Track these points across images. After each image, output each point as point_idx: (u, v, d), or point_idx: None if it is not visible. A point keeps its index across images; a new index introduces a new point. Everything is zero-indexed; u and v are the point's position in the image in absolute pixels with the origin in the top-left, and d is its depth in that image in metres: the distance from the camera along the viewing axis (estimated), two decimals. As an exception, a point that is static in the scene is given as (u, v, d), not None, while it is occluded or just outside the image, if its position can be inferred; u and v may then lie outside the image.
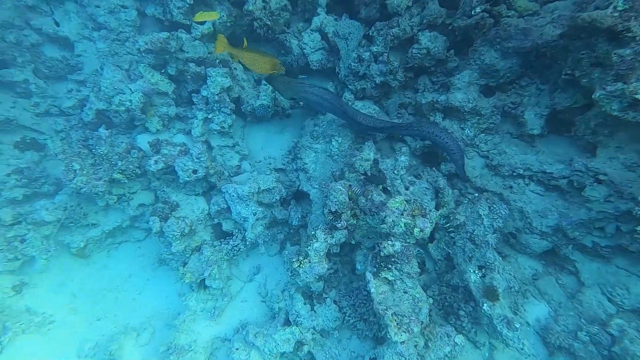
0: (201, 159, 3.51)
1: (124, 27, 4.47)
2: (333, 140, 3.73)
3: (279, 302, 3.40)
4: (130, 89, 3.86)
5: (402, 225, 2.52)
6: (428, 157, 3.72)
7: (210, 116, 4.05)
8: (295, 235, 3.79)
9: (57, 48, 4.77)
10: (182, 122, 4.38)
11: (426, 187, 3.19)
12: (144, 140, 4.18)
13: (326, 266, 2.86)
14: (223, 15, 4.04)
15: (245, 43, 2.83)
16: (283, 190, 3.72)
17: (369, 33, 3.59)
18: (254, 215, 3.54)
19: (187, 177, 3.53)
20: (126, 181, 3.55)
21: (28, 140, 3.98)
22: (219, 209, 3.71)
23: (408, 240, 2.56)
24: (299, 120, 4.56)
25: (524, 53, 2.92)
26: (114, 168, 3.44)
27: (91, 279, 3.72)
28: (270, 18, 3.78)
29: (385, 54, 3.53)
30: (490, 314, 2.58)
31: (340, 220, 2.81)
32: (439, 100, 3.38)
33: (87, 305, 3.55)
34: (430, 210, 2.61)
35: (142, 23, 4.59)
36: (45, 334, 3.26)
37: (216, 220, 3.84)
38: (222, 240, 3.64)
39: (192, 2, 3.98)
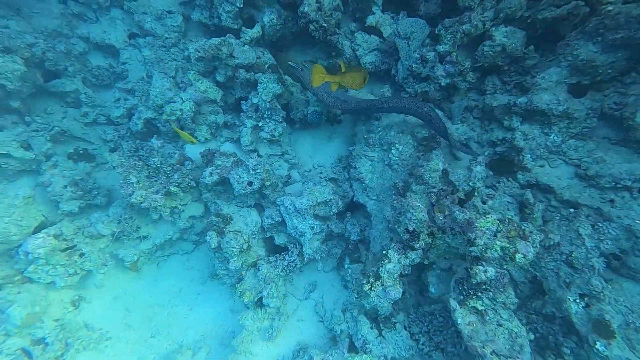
0: (257, 171, 3.33)
1: (169, 33, 4.39)
2: (393, 148, 3.44)
3: (340, 323, 3.17)
4: (182, 98, 3.75)
5: (498, 249, 2.22)
6: (500, 164, 3.37)
7: (260, 124, 3.87)
8: (354, 251, 3.54)
9: (102, 56, 4.77)
10: (230, 130, 4.25)
11: (508, 201, 2.85)
12: (193, 150, 4.07)
13: (401, 290, 2.59)
14: (273, 18, 3.85)
15: (344, 68, 2.64)
16: (340, 203, 3.48)
17: (434, 31, 3.28)
18: (312, 229, 3.33)
19: (243, 189, 3.36)
20: (181, 194, 3.43)
21: (80, 151, 3.95)
22: (273, 222, 3.52)
23: (505, 267, 2.24)
24: (348, 127, 4.31)
25: (634, 45, 2.52)
26: (170, 181, 3.33)
27: (143, 293, 3.63)
28: (325, 19, 3.55)
29: (454, 54, 3.21)
30: (606, 355, 2.22)
31: (419, 241, 2.53)
32: (519, 102, 3.02)
33: (141, 321, 3.46)
34: (531, 232, 2.28)
35: (186, 27, 4.51)
36: (102, 351, 3.20)
37: (269, 234, 3.66)
38: (277, 255, 3.45)
39: (241, 6, 3.82)
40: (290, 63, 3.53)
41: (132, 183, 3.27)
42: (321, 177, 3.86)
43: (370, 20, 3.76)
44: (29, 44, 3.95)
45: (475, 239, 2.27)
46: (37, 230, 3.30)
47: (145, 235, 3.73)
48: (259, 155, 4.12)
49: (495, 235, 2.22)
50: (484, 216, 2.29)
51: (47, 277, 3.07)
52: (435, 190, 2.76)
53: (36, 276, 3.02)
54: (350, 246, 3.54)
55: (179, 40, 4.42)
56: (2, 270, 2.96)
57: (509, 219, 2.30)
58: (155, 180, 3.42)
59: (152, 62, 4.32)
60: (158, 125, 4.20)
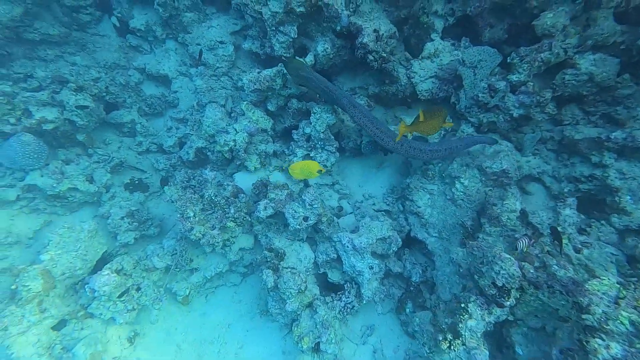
0: (314, 206, 3.21)
1: (220, 63, 4.48)
2: (457, 182, 3.20)
3: (406, 377, 2.91)
4: (235, 129, 3.75)
5: (626, 322, 1.90)
6: (587, 204, 3.01)
7: (312, 154, 3.79)
8: (417, 294, 3.28)
9: (154, 84, 4.95)
10: (279, 159, 4.20)
11: (612, 252, 2.51)
12: (242, 179, 4.04)
13: (487, 352, 2.31)
14: (327, 47, 3.80)
15: (422, 117, 2.51)
16: (399, 240, 3.26)
17: (506, 60, 3.06)
18: (371, 269, 3.13)
19: (298, 224, 3.24)
20: (236, 228, 3.38)
21: (136, 182, 4.04)
22: (328, 259, 3.36)
23: (638, 346, 1.91)
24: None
25: None
26: (227, 215, 3.28)
27: (193, 328, 3.57)
28: (384, 49, 3.44)
29: (530, 84, 2.96)
30: None
31: (509, 298, 2.26)
32: (614, 137, 2.71)
33: (192, 358, 3.38)
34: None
35: (235, 56, 4.58)
36: (156, 390, 3.14)
37: (322, 270, 3.50)
38: (333, 295, 3.27)
39: (295, 36, 3.81)
40: (303, 73, 3.35)
41: (189, 217, 3.25)
42: (375, 210, 3.67)
43: (429, 48, 3.61)
44: (94, 78, 4.15)
45: (588, 305, 1.95)
46: (100, 263, 3.35)
47: (195, 267, 3.70)
48: (307, 185, 4.03)
49: (616, 303, 1.91)
50: (598, 278, 1.98)
51: (108, 313, 3.08)
52: (518, 235, 2.48)
53: (98, 312, 3.04)
54: (411, 288, 3.30)
55: (229, 69, 4.49)
56: (68, 306, 3.01)
57: (633, 283, 1.98)
58: (211, 214, 3.39)
59: (203, 91, 4.40)
60: (208, 153, 4.24)
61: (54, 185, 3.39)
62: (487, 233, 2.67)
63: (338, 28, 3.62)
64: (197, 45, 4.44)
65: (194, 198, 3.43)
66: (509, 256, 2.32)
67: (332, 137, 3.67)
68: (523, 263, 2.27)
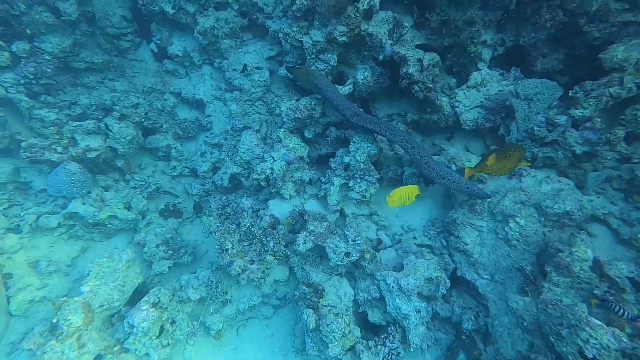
0: (357, 242, 3.07)
1: (255, 88, 4.50)
2: (511, 221, 2.99)
3: None
4: (272, 157, 3.70)
5: None
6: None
7: (350, 184, 3.67)
8: (471, 345, 3.03)
9: (187, 108, 5.01)
10: (314, 187, 4.11)
11: None
12: (277, 206, 3.95)
13: None
14: (367, 75, 3.74)
15: (493, 159, 2.39)
16: (448, 282, 3.05)
17: (568, 93, 2.89)
18: (417, 312, 2.93)
19: (339, 260, 3.10)
20: (275, 262, 3.27)
21: (171, 208, 4.03)
22: (370, 297, 3.19)
23: None
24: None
25: None
26: (265, 249, 3.18)
27: (225, 364, 3.44)
28: (429, 79, 3.34)
29: (596, 120, 2.77)
30: None
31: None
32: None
33: (225, 399, 3.24)
34: None
35: (270, 81, 4.59)
36: None
37: (362, 309, 3.32)
38: (376, 339, 3.07)
39: (335, 64, 3.78)
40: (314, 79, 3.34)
41: (228, 250, 3.17)
42: (417, 245, 3.49)
43: (475, 77, 3.48)
44: (134, 104, 4.23)
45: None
46: (135, 294, 3.30)
47: (228, 298, 3.59)
48: (343, 215, 3.89)
49: None
50: None
51: (144, 348, 3.00)
52: (599, 293, 2.24)
53: (134, 347, 2.96)
54: (463, 336, 3.05)
55: (263, 94, 4.49)
56: (104, 340, 2.95)
57: None
58: (249, 245, 3.30)
59: (238, 116, 4.41)
60: (242, 179, 4.20)
61: (95, 213, 3.41)
62: (554, 283, 2.44)
63: (380, 57, 3.56)
64: (233, 70, 4.48)
65: (231, 228, 3.36)
66: (601, 323, 2.05)
67: (372, 167, 3.55)
68: (612, 328, 2.03)
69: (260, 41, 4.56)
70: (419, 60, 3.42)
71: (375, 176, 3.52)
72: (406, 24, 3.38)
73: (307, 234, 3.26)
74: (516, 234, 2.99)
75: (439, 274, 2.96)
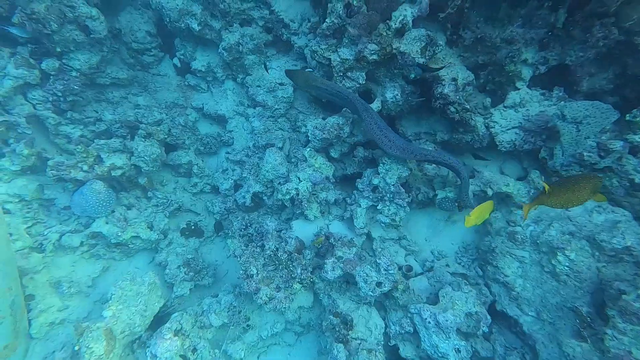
0: (390, 272, 2.90)
1: (279, 104, 4.43)
2: (560, 254, 2.77)
3: None
4: (298, 177, 3.58)
5: None
6: None
7: (379, 207, 3.51)
8: None
9: (208, 123, 4.97)
10: (338, 207, 3.96)
11: None
12: (301, 228, 3.82)
13: None
14: (397, 94, 3.61)
15: (547, 188, 2.22)
16: (489, 318, 2.84)
17: (625, 117, 2.69)
18: (457, 352, 2.72)
19: (370, 291, 2.93)
20: (302, 291, 3.12)
21: (192, 227, 3.94)
22: (403, 331, 2.99)
23: None
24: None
25: None
26: (292, 276, 3.04)
27: (247, 395, 3.28)
28: (466, 99, 3.19)
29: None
30: None
31: None
32: None
33: None
34: None
35: (293, 97, 4.51)
36: None
37: (393, 342, 3.13)
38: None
39: (363, 82, 3.67)
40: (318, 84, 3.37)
41: (253, 275, 3.04)
42: (450, 273, 3.29)
43: (514, 97, 3.31)
44: (157, 120, 4.20)
45: None
46: (157, 319, 3.19)
47: (250, 324, 3.44)
48: (369, 238, 3.73)
49: None
50: None
51: (165, 379, 2.88)
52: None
53: (155, 378, 2.85)
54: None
55: (287, 110, 4.41)
56: (125, 368, 2.85)
57: None
58: (274, 270, 3.16)
59: (261, 132, 4.33)
60: (264, 198, 4.09)
61: (119, 233, 3.34)
62: (619, 330, 2.21)
63: (412, 76, 3.43)
64: (257, 87, 4.43)
65: (256, 252, 3.23)
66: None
67: (403, 190, 3.39)
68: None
69: (284, 57, 4.50)
70: (454, 79, 3.28)
71: (407, 200, 3.36)
72: (440, 42, 3.25)
73: (336, 260, 3.11)
74: (566, 268, 2.76)
75: (479, 309, 2.76)
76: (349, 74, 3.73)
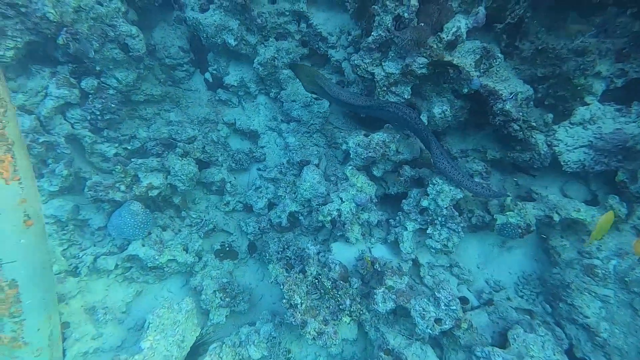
0: (452, 308, 2.62)
1: (314, 120, 4.27)
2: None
3: None
4: (340, 198, 3.37)
5: None
6: None
7: (429, 231, 3.25)
8: None
9: (239, 138, 4.86)
10: (380, 229, 3.72)
11: None
12: (341, 251, 3.58)
13: None
14: (446, 110, 3.38)
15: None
16: (567, 364, 2.50)
17: None
18: (533, 404, 2.39)
19: (429, 328, 2.64)
20: (351, 323, 2.87)
21: (227, 248, 3.78)
22: (466, 376, 2.69)
23: None
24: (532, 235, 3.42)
25: None
26: (341, 307, 2.80)
27: None
28: (528, 114, 2.92)
29: None
30: None
31: None
32: None
33: None
34: None
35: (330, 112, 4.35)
36: None
37: (452, 387, 2.82)
38: None
39: (408, 97, 3.46)
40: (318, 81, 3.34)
41: (297, 305, 2.81)
42: (513, 308, 2.95)
43: (582, 112, 3.01)
44: (191, 137, 4.11)
45: None
46: (193, 349, 3.00)
47: (290, 357, 3.20)
48: (416, 263, 3.45)
49: None
50: None
51: (205, 420, 2.68)
52: None
53: (194, 418, 2.65)
54: None
55: (322, 125, 4.25)
56: (163, 407, 2.65)
57: None
58: (318, 299, 2.92)
59: (295, 149, 4.16)
60: (300, 218, 3.89)
61: (156, 257, 3.21)
62: None
63: (465, 90, 3.20)
64: (292, 101, 4.30)
65: (298, 278, 3.02)
66: None
67: (457, 213, 3.11)
68: None
69: (320, 69, 4.37)
70: (512, 93, 3.02)
71: (462, 224, 3.08)
72: (499, 55, 3.01)
73: (386, 290, 2.84)
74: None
75: (559, 358, 2.42)
76: (393, 88, 3.53)
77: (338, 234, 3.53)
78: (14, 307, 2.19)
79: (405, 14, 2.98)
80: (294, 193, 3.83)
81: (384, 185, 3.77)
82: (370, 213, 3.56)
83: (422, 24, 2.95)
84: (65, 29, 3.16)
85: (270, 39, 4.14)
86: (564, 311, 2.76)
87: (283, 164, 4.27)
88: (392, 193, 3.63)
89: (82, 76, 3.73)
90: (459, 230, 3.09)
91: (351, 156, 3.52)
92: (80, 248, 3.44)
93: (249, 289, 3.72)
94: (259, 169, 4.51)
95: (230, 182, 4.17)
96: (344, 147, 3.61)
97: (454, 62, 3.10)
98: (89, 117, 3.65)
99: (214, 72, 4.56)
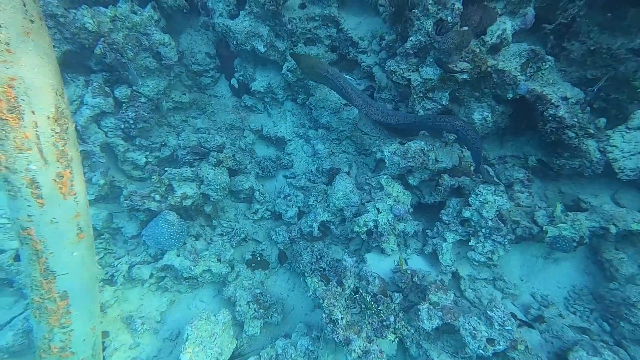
0: (507, 328, 2.48)
1: (344, 126, 4.19)
2: None
3: None
4: (377, 209, 3.27)
5: None
6: None
7: (471, 242, 3.11)
8: None
9: (264, 145, 4.82)
10: (416, 239, 3.60)
11: None
12: (375, 262, 3.49)
13: None
14: (488, 116, 3.24)
15: None
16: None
17: None
18: None
19: (481, 349, 2.51)
20: (394, 341, 2.77)
21: (258, 258, 3.73)
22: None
23: None
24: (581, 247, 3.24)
25: None
26: (385, 324, 2.70)
27: None
28: (583, 120, 2.76)
29: None
30: None
31: None
32: None
33: None
34: None
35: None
36: None
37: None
38: None
39: (446, 103, 3.34)
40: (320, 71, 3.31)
41: (337, 321, 2.73)
42: (568, 326, 2.78)
43: (641, 117, 2.82)
44: (219, 144, 4.08)
45: None
46: (231, 364, 2.96)
47: (327, 371, 3.12)
48: (456, 276, 3.32)
49: None
50: None
51: None
52: None
53: None
54: None
55: (351, 132, 4.15)
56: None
57: None
58: (358, 314, 2.83)
59: (325, 156, 4.09)
60: (332, 227, 3.81)
61: (192, 267, 3.18)
62: None
63: (510, 96, 3.06)
64: (321, 108, 4.23)
65: (337, 292, 2.93)
66: None
67: (503, 224, 2.97)
68: None
69: (347, 74, 4.27)
70: (564, 98, 2.86)
71: (508, 237, 2.93)
72: (548, 57, 2.86)
73: (431, 307, 2.73)
74: None
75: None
76: (430, 94, 3.41)
77: (373, 245, 3.43)
78: (64, 318, 2.20)
79: (449, 18, 2.86)
80: (326, 202, 3.75)
81: (418, 194, 3.65)
82: (406, 223, 3.44)
83: (466, 28, 2.83)
84: (102, 38, 3.19)
85: (299, 45, 4.09)
86: (627, 331, 2.58)
87: (311, 171, 4.20)
88: (428, 202, 3.51)
89: (114, 84, 3.77)
90: (505, 242, 2.94)
91: (386, 165, 3.41)
92: (115, 256, 3.46)
93: (280, 299, 3.66)
94: (285, 176, 4.46)
95: (259, 190, 4.12)
96: (378, 155, 3.51)
97: (499, 66, 2.97)
98: (122, 126, 3.68)
99: (240, 78, 4.53)
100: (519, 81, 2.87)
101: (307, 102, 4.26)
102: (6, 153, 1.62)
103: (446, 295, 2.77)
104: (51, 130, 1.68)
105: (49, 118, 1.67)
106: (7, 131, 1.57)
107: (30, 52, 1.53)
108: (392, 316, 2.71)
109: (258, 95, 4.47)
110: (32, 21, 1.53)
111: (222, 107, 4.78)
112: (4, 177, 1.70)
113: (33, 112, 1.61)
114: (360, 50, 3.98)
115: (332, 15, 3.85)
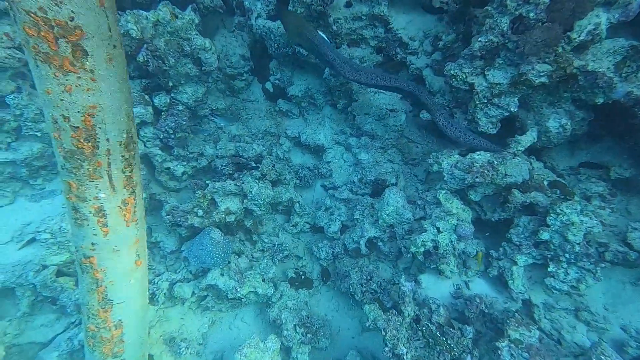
0: (611, 377, 2.12)
1: (389, 134, 3.89)
2: None
3: None
4: (438, 228, 2.96)
5: None
6: None
7: (551, 268, 2.74)
8: None
9: (300, 152, 4.58)
10: (478, 261, 3.26)
11: None
12: (432, 284, 3.18)
13: None
14: (566, 123, 2.86)
15: None
16: None
17: None
18: None
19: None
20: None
21: (302, 277, 3.50)
22: None
23: None
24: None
25: None
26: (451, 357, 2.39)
27: None
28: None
29: None
30: None
31: None
32: None
33: None
34: None
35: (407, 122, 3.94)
36: None
37: None
38: None
39: (514, 110, 2.98)
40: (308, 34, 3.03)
41: (402, 356, 2.44)
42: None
43: None
44: (257, 153, 3.88)
45: None
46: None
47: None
48: (531, 304, 2.95)
49: None
50: None
51: None
52: None
53: None
54: None
55: (397, 140, 3.85)
56: None
57: None
58: (424, 349, 2.53)
59: (369, 166, 3.80)
60: (379, 244, 3.52)
61: (237, 288, 2.98)
62: None
63: (600, 100, 2.67)
64: (365, 114, 3.94)
65: (397, 321, 2.64)
66: None
67: (592, 249, 2.58)
68: None
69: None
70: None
71: (601, 265, 2.54)
72: (653, 55, 2.46)
73: (513, 346, 2.39)
74: None
75: None
76: (496, 100, 3.06)
77: (430, 266, 3.12)
78: (117, 347, 2.06)
79: (531, 14, 2.50)
80: (373, 216, 3.46)
81: (477, 210, 3.30)
82: (467, 242, 3.11)
83: (553, 23, 2.46)
84: (145, 45, 3.04)
85: (343, 47, 3.82)
86: None
87: (354, 182, 3.92)
88: (491, 219, 3.15)
89: (152, 92, 3.63)
90: (597, 270, 2.56)
91: (445, 179, 3.09)
92: (155, 273, 3.31)
93: (326, 321, 3.41)
94: (323, 186, 4.21)
95: (298, 202, 3.89)
96: (435, 168, 3.19)
97: (588, 67, 2.59)
98: (161, 136, 3.53)
99: (276, 81, 4.30)
100: (615, 84, 2.48)
101: (349, 108, 3.99)
102: (78, 182, 1.48)
103: (530, 332, 2.42)
104: (122, 157, 1.52)
105: (120, 145, 1.53)
106: (81, 160, 1.43)
107: (110, 79, 1.38)
108: (468, 355, 2.39)
109: (295, 99, 4.24)
110: (115, 46, 1.37)
111: (256, 112, 4.57)
112: (73, 205, 1.56)
113: (107, 139, 1.47)
114: (409, 51, 3.66)
115: (382, 14, 3.55)
